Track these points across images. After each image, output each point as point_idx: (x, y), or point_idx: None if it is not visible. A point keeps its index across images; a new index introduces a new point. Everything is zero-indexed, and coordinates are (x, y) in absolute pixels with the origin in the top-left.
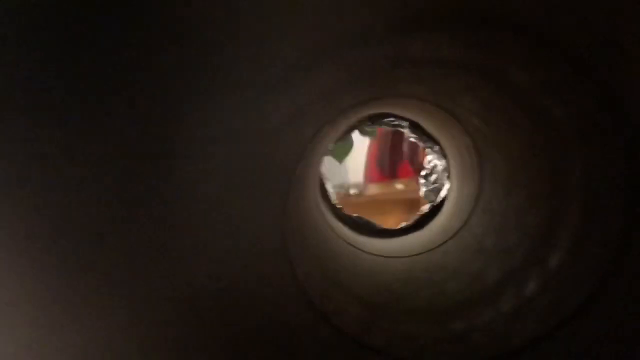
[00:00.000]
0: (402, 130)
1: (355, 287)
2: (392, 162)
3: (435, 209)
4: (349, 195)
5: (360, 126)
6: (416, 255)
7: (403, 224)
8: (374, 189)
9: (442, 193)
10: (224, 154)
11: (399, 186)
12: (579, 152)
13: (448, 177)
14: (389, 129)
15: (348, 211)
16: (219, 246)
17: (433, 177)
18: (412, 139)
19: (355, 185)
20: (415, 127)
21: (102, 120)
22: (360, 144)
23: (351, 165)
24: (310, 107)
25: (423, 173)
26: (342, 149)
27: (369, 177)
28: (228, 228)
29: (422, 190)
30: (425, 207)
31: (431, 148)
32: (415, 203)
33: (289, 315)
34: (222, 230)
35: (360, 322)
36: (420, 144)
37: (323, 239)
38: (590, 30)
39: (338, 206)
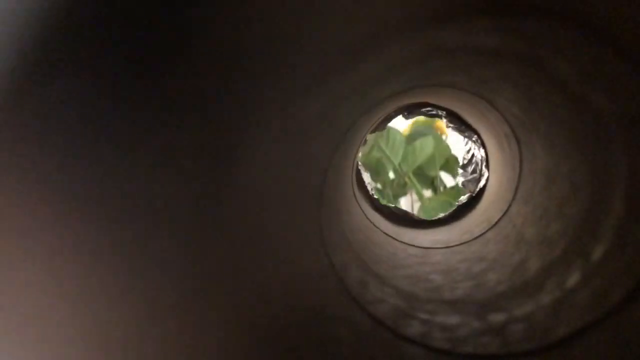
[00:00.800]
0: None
1: (393, 278)
2: None
3: (474, 200)
4: None
5: (397, 115)
6: (455, 246)
7: (441, 215)
8: None
9: (481, 183)
10: (270, 153)
11: None
12: (621, 142)
13: (487, 167)
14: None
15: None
16: (265, 237)
17: (471, 167)
18: (450, 129)
19: None
20: (452, 116)
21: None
22: None
23: None
24: (346, 101)
25: (461, 163)
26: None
27: None
28: (271, 220)
29: (460, 180)
30: (464, 198)
31: (469, 138)
32: None
33: (326, 304)
34: (269, 221)
35: (397, 312)
36: (458, 134)
37: (359, 229)
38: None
39: (375, 197)
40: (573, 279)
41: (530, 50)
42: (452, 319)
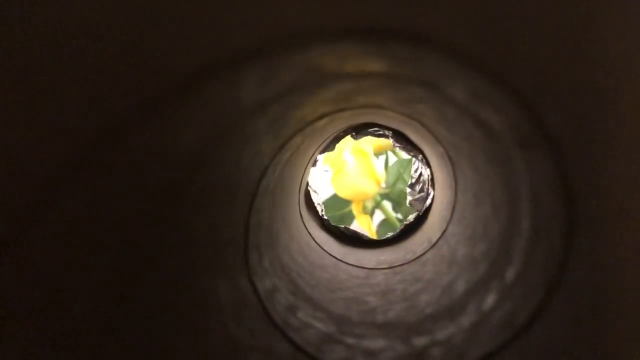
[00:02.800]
0: (387, 139)
1: (328, 302)
2: None
3: (421, 219)
4: None
5: (345, 136)
6: (397, 266)
7: (389, 234)
8: None
9: (427, 202)
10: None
11: None
12: (521, 162)
13: (432, 186)
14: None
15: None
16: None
17: (419, 186)
18: (397, 148)
19: None
20: (399, 135)
21: None
22: None
23: None
24: (264, 125)
25: (409, 182)
26: None
27: None
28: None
29: (409, 199)
30: (412, 217)
31: (416, 157)
32: None
33: (242, 334)
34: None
35: (323, 338)
36: (405, 154)
37: (300, 252)
38: (512, 49)
39: (325, 217)
40: (489, 301)
41: (422, 75)
42: (378, 343)
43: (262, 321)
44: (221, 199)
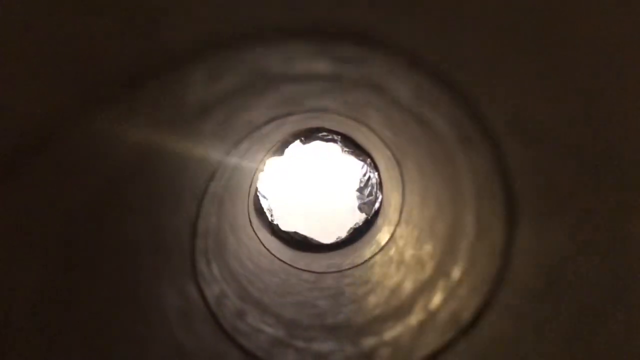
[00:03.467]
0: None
1: (278, 306)
2: None
3: (369, 223)
4: None
5: (294, 141)
6: (347, 269)
7: (338, 238)
8: None
9: (376, 206)
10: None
11: None
12: (463, 160)
13: (381, 189)
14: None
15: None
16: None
17: (367, 190)
18: (346, 153)
19: None
20: (347, 140)
21: None
22: None
23: None
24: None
25: (358, 186)
26: None
27: None
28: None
29: (357, 203)
30: (360, 221)
31: (364, 161)
32: None
33: (189, 340)
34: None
35: (273, 342)
36: (354, 158)
37: (250, 258)
38: (459, 56)
39: (274, 222)
40: (436, 299)
41: (367, 76)
42: (328, 346)
43: (210, 327)
44: (166, 202)
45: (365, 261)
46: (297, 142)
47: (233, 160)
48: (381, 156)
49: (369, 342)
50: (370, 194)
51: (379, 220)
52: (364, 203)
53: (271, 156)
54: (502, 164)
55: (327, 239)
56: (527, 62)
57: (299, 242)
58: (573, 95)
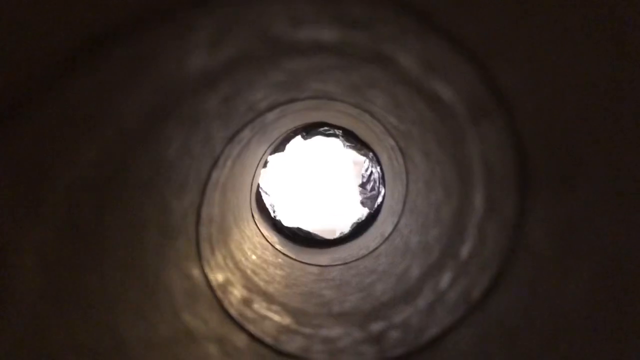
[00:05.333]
0: (337, 139)
1: (282, 296)
2: None
3: (372, 217)
4: None
5: (296, 136)
6: (352, 262)
7: (340, 234)
8: None
9: (379, 200)
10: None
11: None
12: (474, 137)
13: (383, 184)
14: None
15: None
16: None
17: (370, 185)
18: (348, 147)
19: None
20: (349, 135)
21: None
22: None
23: None
24: (216, 111)
25: (360, 181)
26: None
27: None
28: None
29: (360, 198)
30: (363, 216)
31: (366, 156)
32: None
33: (195, 323)
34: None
35: (280, 329)
36: (356, 152)
37: (253, 250)
38: (473, 14)
39: (277, 218)
40: (445, 280)
41: (373, 44)
42: (335, 331)
43: (217, 313)
44: (171, 181)
45: (370, 252)
46: (299, 137)
47: (235, 149)
48: (383, 148)
49: (377, 326)
50: (372, 189)
51: (382, 213)
52: (367, 198)
53: (273, 152)
54: (515, 129)
55: (330, 235)
56: (545, 23)
57: (302, 238)
58: (594, 59)
